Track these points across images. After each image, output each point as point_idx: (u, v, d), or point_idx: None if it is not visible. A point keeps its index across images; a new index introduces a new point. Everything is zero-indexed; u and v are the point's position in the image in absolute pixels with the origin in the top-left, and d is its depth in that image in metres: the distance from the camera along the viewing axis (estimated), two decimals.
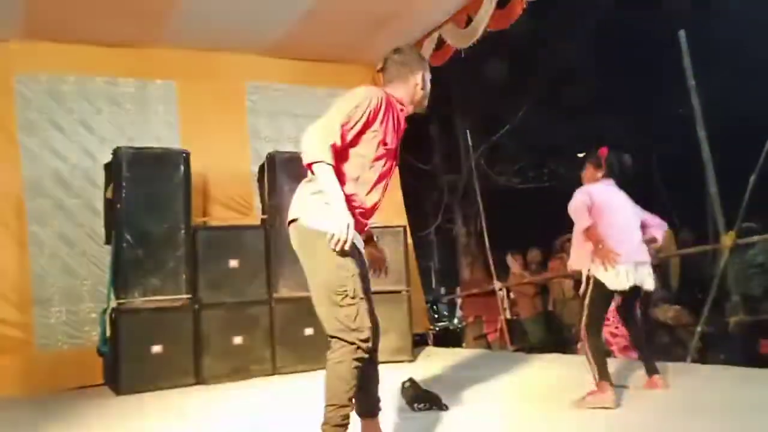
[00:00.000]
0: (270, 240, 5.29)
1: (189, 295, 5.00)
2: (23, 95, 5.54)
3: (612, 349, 5.45)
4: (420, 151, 11.79)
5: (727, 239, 5.12)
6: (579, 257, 3.69)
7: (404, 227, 5.90)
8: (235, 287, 5.13)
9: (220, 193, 6.15)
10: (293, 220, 2.60)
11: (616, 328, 5.30)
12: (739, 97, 8.99)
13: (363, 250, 2.74)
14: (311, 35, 6.00)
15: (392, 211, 6.53)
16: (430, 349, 6.36)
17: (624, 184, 3.86)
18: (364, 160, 2.61)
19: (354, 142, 2.58)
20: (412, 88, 2.80)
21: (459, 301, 10.09)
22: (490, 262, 7.88)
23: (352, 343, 2.45)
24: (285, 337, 5.20)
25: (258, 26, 5.82)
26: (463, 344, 8.71)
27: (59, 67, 5.69)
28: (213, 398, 4.44)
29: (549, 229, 9.23)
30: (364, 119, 2.56)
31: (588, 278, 3.61)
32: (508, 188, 12.22)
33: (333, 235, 2.40)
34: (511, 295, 8.70)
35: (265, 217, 5.60)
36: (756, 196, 5.09)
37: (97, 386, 5.07)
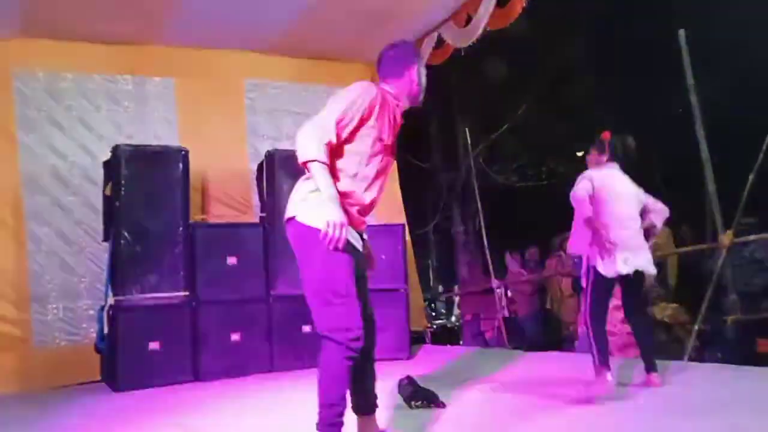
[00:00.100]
0: (268, 237, 5.29)
1: (187, 293, 5.00)
2: (21, 92, 5.53)
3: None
4: (419, 150, 11.81)
5: (725, 238, 5.13)
6: (579, 242, 3.75)
7: (402, 225, 5.92)
8: (233, 284, 5.13)
9: (219, 191, 6.15)
10: (290, 218, 2.60)
11: (614, 326, 5.31)
12: (737, 96, 9.01)
13: (361, 249, 2.74)
14: (310, 33, 5.99)
15: (390, 209, 6.54)
16: (428, 347, 6.36)
17: (628, 168, 3.88)
18: (361, 156, 2.61)
19: (350, 138, 2.58)
20: (407, 84, 2.79)
21: (457, 299, 10.11)
22: (488, 260, 7.89)
23: (341, 343, 2.45)
24: (283, 334, 5.20)
25: (257, 24, 5.82)
26: (461, 342, 8.73)
27: (57, 64, 5.68)
28: (210, 395, 4.44)
29: (547, 227, 9.25)
30: (359, 116, 2.56)
31: (588, 268, 3.69)
32: (506, 187, 12.24)
33: (326, 234, 2.41)
34: (509, 293, 8.72)
35: (263, 214, 5.60)
36: (754, 195, 5.10)
37: (95, 383, 5.07)
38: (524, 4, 5.06)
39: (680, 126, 6.62)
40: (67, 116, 5.67)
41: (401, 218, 6.59)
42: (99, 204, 5.40)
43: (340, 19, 5.78)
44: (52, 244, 5.44)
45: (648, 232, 3.83)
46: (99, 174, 5.37)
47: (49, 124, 5.59)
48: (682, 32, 5.31)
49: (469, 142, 8.83)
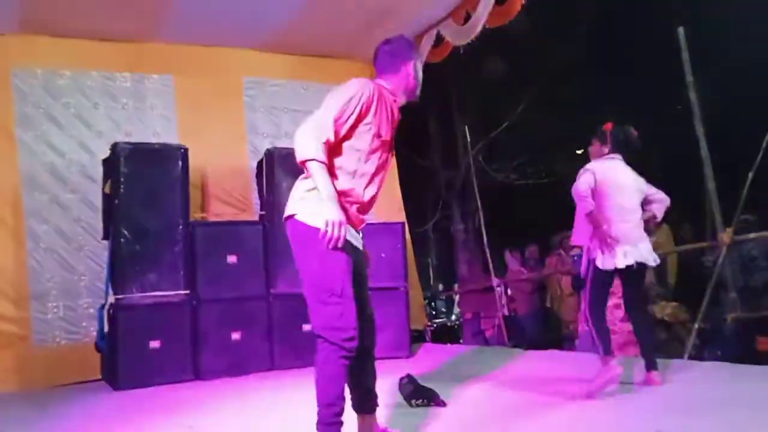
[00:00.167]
0: (268, 236, 5.28)
1: (187, 291, 5.00)
2: (20, 89, 5.52)
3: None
4: (418, 148, 11.80)
5: (725, 236, 5.13)
6: (581, 234, 3.83)
7: (402, 223, 5.91)
8: (233, 283, 5.13)
9: (218, 189, 6.14)
10: (289, 216, 2.60)
11: (614, 324, 5.32)
12: (737, 93, 9.00)
13: (361, 247, 2.74)
14: (309, 30, 5.98)
15: (390, 208, 6.55)
16: (428, 346, 6.36)
17: (631, 158, 3.90)
18: (360, 153, 2.60)
19: (348, 135, 2.57)
20: (403, 78, 2.78)
21: (457, 297, 10.11)
22: (488, 258, 7.89)
23: (335, 343, 2.45)
24: (283, 332, 5.20)
25: (256, 22, 5.81)
26: (461, 340, 8.73)
27: (56, 61, 5.66)
28: (211, 394, 4.44)
29: (547, 225, 9.26)
30: (357, 112, 2.55)
31: (588, 261, 3.75)
32: (506, 185, 12.24)
33: (326, 233, 2.40)
34: (509, 291, 8.72)
35: (263, 212, 5.60)
36: (754, 193, 5.10)
37: (95, 381, 5.07)
38: (523, 2, 5.05)
39: (680, 124, 6.61)
40: (66, 113, 5.66)
41: (401, 216, 6.60)
42: (98, 202, 5.39)
43: (339, 16, 5.77)
44: (51, 242, 5.43)
45: (648, 223, 3.87)
46: (98, 172, 5.37)
47: (48, 121, 5.58)
48: (681, 30, 5.31)
49: (469, 140, 8.82)
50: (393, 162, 6.66)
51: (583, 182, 3.70)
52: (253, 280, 5.22)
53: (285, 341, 5.19)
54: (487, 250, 7.87)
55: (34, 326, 5.28)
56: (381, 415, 2.88)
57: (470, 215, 11.69)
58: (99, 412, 4.08)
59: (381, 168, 2.70)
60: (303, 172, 2.61)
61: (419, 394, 3.55)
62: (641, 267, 3.75)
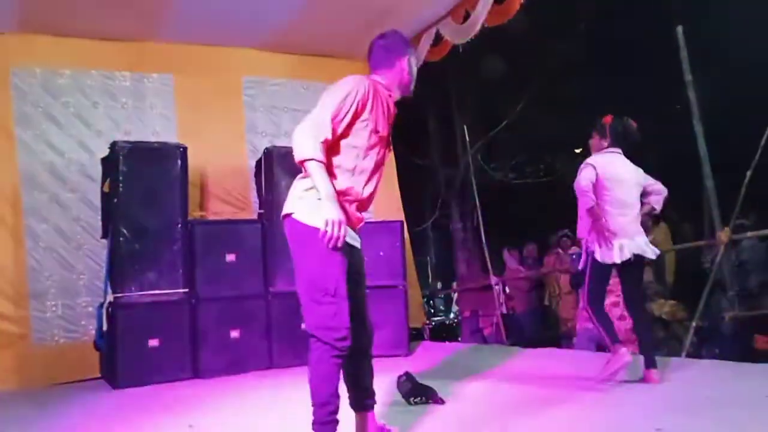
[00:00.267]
0: (267, 234, 5.29)
1: (186, 289, 5.00)
2: (19, 88, 5.51)
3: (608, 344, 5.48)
4: (417, 146, 11.79)
5: (723, 235, 5.14)
6: (584, 227, 3.86)
7: (401, 222, 5.92)
8: (232, 281, 5.13)
9: (217, 188, 6.15)
10: (287, 215, 2.61)
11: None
12: (736, 92, 9.01)
13: (359, 246, 2.75)
14: (308, 30, 5.98)
15: (389, 206, 6.56)
16: (427, 344, 6.37)
17: (631, 151, 3.94)
18: (358, 150, 2.61)
19: (345, 133, 2.58)
20: (398, 74, 2.78)
21: (455, 295, 10.12)
22: (487, 257, 7.90)
23: (327, 342, 2.46)
24: (281, 331, 5.21)
25: (255, 21, 5.81)
26: (459, 338, 8.74)
27: (55, 60, 5.66)
28: (210, 392, 4.45)
29: (545, 224, 9.27)
30: (353, 110, 2.55)
31: (588, 254, 3.81)
32: (504, 184, 12.24)
33: (325, 233, 2.41)
34: (507, 289, 8.74)
35: (262, 211, 5.60)
36: (751, 192, 5.11)
37: (94, 380, 5.08)
38: (522, 1, 5.05)
39: (679, 123, 6.62)
40: (65, 113, 5.66)
41: (400, 215, 6.61)
42: (97, 201, 5.39)
43: (339, 16, 5.77)
44: (50, 240, 5.43)
45: (648, 215, 3.94)
46: (97, 171, 5.36)
47: (47, 120, 5.58)
48: (680, 29, 5.32)
49: (467, 139, 8.82)
50: (392, 161, 6.71)
51: (584, 177, 3.75)
52: (252, 279, 5.22)
53: (284, 339, 5.20)
54: (486, 249, 7.89)
55: (33, 325, 5.28)
56: (379, 413, 2.88)
57: (469, 214, 11.69)
58: (98, 411, 4.08)
59: (379, 164, 2.71)
60: (302, 172, 2.62)
61: (417, 392, 3.56)
62: (639, 260, 3.79)
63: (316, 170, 2.46)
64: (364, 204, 2.70)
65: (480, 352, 5.95)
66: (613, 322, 3.97)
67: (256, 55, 6.43)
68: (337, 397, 2.50)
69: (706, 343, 5.77)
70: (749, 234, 5.68)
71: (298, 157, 2.49)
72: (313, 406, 2.49)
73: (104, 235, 5.18)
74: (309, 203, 2.53)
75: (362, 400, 2.78)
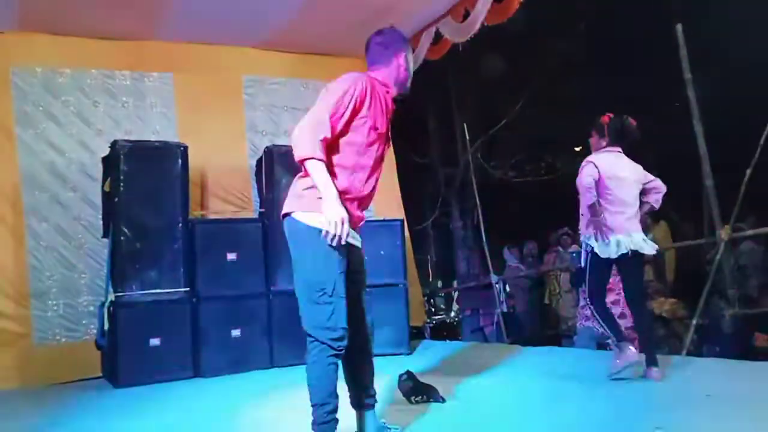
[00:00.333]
0: (268, 233, 5.29)
1: (187, 288, 5.01)
2: (19, 88, 5.51)
3: (608, 342, 5.49)
4: (417, 145, 11.79)
5: (723, 233, 5.15)
6: (584, 223, 3.91)
7: (401, 220, 5.92)
8: (233, 280, 5.13)
9: (218, 187, 6.14)
10: (286, 214, 2.62)
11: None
12: (735, 91, 9.01)
13: (360, 245, 2.75)
14: (308, 28, 5.98)
15: (389, 205, 6.56)
16: (427, 342, 6.38)
17: (631, 149, 3.97)
18: (358, 147, 2.61)
19: (344, 131, 2.58)
20: (395, 70, 2.78)
21: (456, 294, 10.12)
22: (487, 255, 7.90)
23: (324, 342, 2.47)
24: (283, 330, 5.20)
25: (255, 19, 5.81)
26: (460, 337, 8.75)
27: (55, 59, 5.66)
28: (211, 391, 4.46)
29: (545, 222, 9.27)
30: (351, 107, 2.55)
31: (587, 251, 3.86)
32: (504, 182, 12.23)
33: (327, 232, 2.41)
34: (508, 288, 8.74)
35: (263, 210, 5.60)
36: (751, 190, 5.12)
37: (95, 379, 5.08)
38: (521, 0, 5.06)
39: (678, 122, 6.63)
40: (66, 112, 5.66)
41: (400, 214, 6.60)
42: (98, 200, 5.39)
43: (339, 14, 5.77)
44: (51, 240, 5.43)
45: (647, 213, 3.99)
46: (98, 170, 5.36)
47: (48, 119, 5.58)
48: (679, 27, 5.32)
49: (467, 137, 8.82)
50: (392, 159, 6.71)
51: (587, 174, 3.79)
52: (253, 278, 5.22)
53: (285, 338, 5.19)
54: (486, 247, 7.89)
55: (34, 324, 5.28)
56: (380, 411, 2.89)
57: (469, 212, 11.69)
58: (99, 410, 4.08)
59: (379, 160, 2.72)
60: (301, 170, 2.62)
61: (418, 391, 3.57)
62: (637, 255, 3.81)
63: (316, 169, 2.47)
64: (364, 201, 2.71)
65: (481, 350, 5.96)
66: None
67: (255, 54, 6.43)
68: (336, 396, 2.51)
69: (706, 341, 5.78)
70: (749, 232, 5.69)
71: (297, 156, 2.49)
72: (312, 406, 2.50)
73: (105, 235, 5.18)
74: (308, 202, 2.54)
75: (363, 399, 2.79)
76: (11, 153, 5.44)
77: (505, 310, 8.01)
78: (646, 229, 4.00)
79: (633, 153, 4.00)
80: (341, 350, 2.51)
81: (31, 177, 5.46)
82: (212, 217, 5.90)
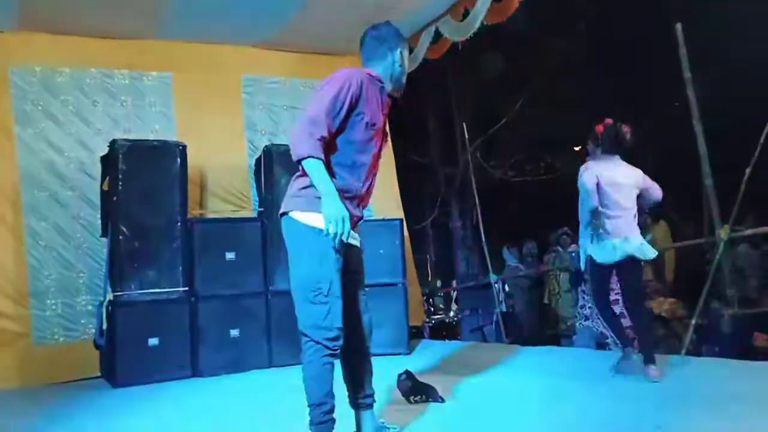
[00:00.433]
0: (267, 232, 5.28)
1: (185, 288, 5.00)
2: (18, 87, 5.50)
3: (607, 342, 5.49)
4: (417, 145, 11.80)
5: (722, 233, 5.15)
6: (584, 227, 3.96)
7: (401, 220, 5.91)
8: (231, 280, 5.12)
9: (217, 186, 6.14)
10: (284, 213, 2.61)
11: None
12: (735, 91, 9.01)
13: (358, 244, 2.75)
14: (307, 27, 5.98)
15: (389, 204, 6.55)
16: (426, 342, 6.37)
17: (626, 156, 4.01)
18: (356, 144, 2.60)
19: (342, 128, 2.57)
20: (390, 65, 2.76)
21: (455, 293, 10.11)
22: (486, 254, 7.90)
23: (318, 342, 2.47)
24: (281, 329, 5.19)
25: (254, 18, 5.80)
26: (459, 337, 8.74)
27: (54, 58, 5.64)
28: (209, 390, 4.45)
29: (544, 222, 9.27)
30: (347, 103, 2.54)
31: (586, 256, 3.91)
32: (504, 182, 12.24)
33: (329, 231, 2.41)
34: (507, 287, 8.74)
35: (262, 209, 5.60)
36: (751, 189, 5.11)
37: (94, 379, 5.07)
38: None
39: (678, 121, 6.62)
40: (65, 111, 5.64)
41: (399, 213, 6.60)
42: (97, 199, 5.39)
43: (337, 13, 5.76)
44: (50, 239, 5.42)
45: (641, 217, 4.04)
46: (96, 169, 5.35)
47: (47, 118, 5.56)
48: (679, 26, 5.31)
49: (467, 137, 8.82)
50: (391, 159, 6.70)
51: (588, 178, 3.84)
52: (252, 277, 5.21)
53: (283, 338, 5.19)
54: (485, 247, 7.89)
55: (33, 323, 5.27)
56: (379, 411, 2.89)
57: (468, 212, 11.70)
58: (98, 410, 4.08)
59: (377, 156, 2.71)
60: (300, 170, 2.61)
61: (417, 391, 3.57)
62: (635, 260, 3.84)
63: (315, 168, 2.46)
64: (363, 199, 2.70)
65: (480, 350, 5.96)
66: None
67: (255, 53, 6.42)
68: (332, 396, 2.51)
69: (705, 341, 5.78)
70: (748, 232, 5.68)
71: (295, 156, 2.49)
72: (308, 406, 2.49)
73: (104, 234, 5.17)
74: (306, 202, 2.53)
75: (361, 399, 2.78)
76: (10, 152, 5.43)
77: (504, 309, 8.01)
78: (646, 230, 4.01)
79: (633, 153, 4.02)
80: (337, 350, 2.50)
81: (30, 176, 5.45)
82: (211, 216, 5.90)
